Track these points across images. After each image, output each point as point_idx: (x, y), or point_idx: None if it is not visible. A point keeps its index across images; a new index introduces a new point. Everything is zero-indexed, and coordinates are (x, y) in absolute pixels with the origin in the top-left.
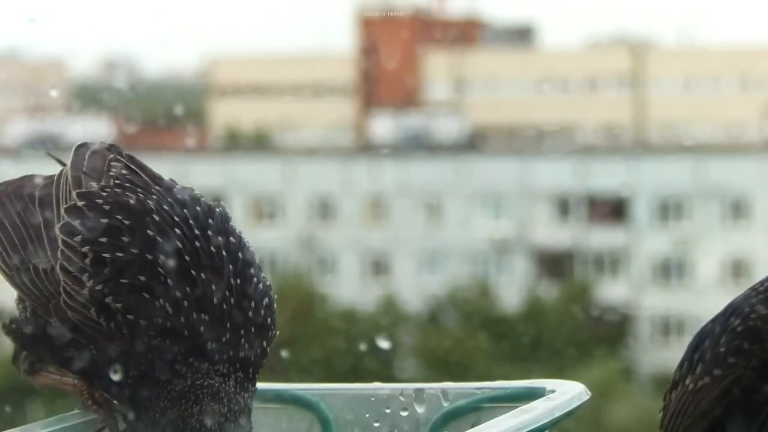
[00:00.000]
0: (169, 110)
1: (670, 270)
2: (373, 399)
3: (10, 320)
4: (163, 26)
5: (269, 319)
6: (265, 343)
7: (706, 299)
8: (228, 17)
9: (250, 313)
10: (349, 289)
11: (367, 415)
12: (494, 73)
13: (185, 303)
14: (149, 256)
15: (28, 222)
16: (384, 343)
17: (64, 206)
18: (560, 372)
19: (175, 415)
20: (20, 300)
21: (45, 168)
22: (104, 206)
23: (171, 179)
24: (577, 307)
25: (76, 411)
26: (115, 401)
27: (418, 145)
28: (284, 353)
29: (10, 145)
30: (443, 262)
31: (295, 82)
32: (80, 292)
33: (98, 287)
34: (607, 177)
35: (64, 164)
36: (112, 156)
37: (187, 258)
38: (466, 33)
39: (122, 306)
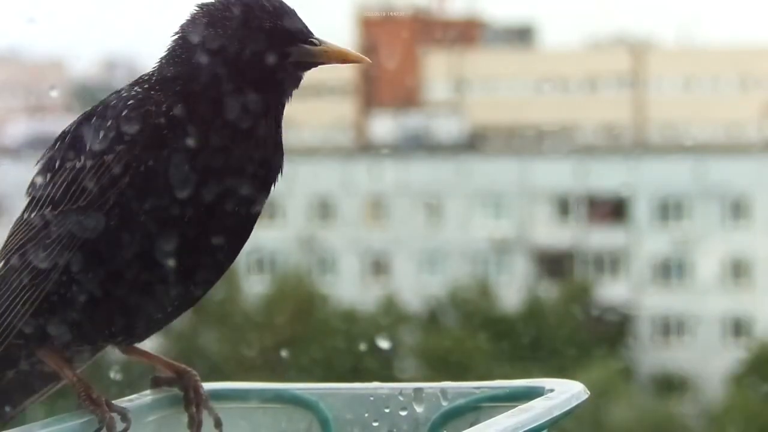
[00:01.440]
0: None
1: (670, 270)
2: (372, 399)
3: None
4: (163, 26)
5: None
6: None
7: (706, 299)
8: None
9: None
10: (349, 289)
11: (367, 415)
12: (494, 73)
13: None
14: None
15: None
16: (384, 343)
17: None
18: (560, 372)
19: None
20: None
21: None
22: None
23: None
24: (577, 307)
25: (75, 411)
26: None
27: (418, 145)
28: (284, 353)
29: (10, 145)
30: (443, 262)
31: None
32: None
33: None
34: (607, 177)
35: None
36: None
37: None
38: (466, 33)
39: None
